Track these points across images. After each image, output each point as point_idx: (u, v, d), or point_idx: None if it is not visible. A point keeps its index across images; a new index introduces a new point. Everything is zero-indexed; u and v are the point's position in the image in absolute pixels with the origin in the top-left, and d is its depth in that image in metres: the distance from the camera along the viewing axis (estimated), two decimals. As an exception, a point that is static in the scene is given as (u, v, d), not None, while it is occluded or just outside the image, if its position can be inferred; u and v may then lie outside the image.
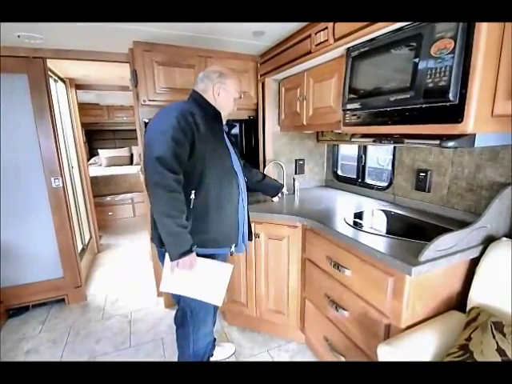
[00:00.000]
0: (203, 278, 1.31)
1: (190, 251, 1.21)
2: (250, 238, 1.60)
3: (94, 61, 2.18)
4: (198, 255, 1.28)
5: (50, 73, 2.35)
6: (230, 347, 1.85)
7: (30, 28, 1.64)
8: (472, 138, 1.06)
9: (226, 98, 1.36)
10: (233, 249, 1.41)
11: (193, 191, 1.24)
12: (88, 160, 5.41)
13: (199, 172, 1.24)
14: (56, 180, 2.21)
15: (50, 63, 2.31)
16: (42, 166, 2.17)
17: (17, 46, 1.94)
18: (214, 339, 1.78)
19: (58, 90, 2.72)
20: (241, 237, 1.45)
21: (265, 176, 1.89)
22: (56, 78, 2.64)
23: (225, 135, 1.40)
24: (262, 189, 1.90)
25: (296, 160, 2.41)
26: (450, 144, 1.04)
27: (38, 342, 2.00)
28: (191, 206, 1.25)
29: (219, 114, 1.37)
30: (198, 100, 1.34)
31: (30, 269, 2.27)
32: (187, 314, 1.40)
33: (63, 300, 2.42)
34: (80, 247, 2.79)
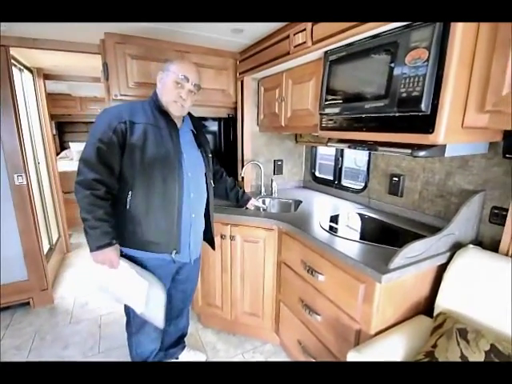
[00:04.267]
0: (124, 284, 1.26)
1: (108, 244, 1.17)
2: (212, 247, 1.61)
3: (63, 51, 2.05)
4: (134, 260, 1.28)
5: (14, 61, 2.20)
6: (200, 357, 1.78)
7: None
8: (443, 147, 1.08)
9: (164, 83, 1.27)
10: (173, 255, 1.32)
11: (130, 191, 1.22)
12: (58, 154, 5.16)
13: (134, 173, 1.21)
14: (19, 177, 2.07)
15: (15, 51, 2.15)
16: (5, 162, 2.03)
17: (-25, 32, 1.79)
18: (184, 342, 1.75)
19: (23, 79, 2.55)
20: (185, 245, 1.36)
21: (234, 186, 1.82)
22: (21, 67, 2.47)
23: (180, 133, 1.32)
24: (230, 198, 1.83)
25: (275, 160, 2.39)
26: (421, 153, 1.05)
27: (1, 348, 1.88)
28: (128, 207, 1.23)
29: (162, 106, 1.28)
30: (151, 96, 1.33)
31: (-8, 271, 2.13)
32: (130, 314, 1.38)
33: (28, 303, 2.29)
34: (47, 247, 2.65)
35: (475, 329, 0.97)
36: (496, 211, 1.25)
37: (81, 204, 1.15)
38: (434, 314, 1.16)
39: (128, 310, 1.38)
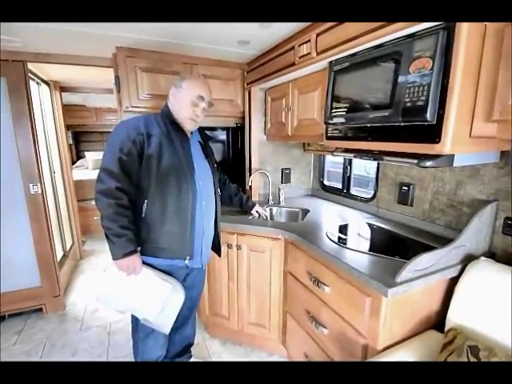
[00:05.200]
0: (142, 290, 1.29)
1: (134, 251, 1.23)
2: (219, 254, 1.62)
3: (77, 65, 2.13)
4: (151, 266, 1.32)
5: (32, 75, 2.30)
6: None
7: (6, 31, 1.58)
8: (451, 157, 1.05)
9: (180, 100, 1.33)
10: (187, 261, 1.36)
11: (145, 200, 1.27)
12: (74, 163, 5.31)
13: (150, 182, 1.26)
14: (34, 186, 2.14)
15: (33, 66, 2.25)
16: (20, 171, 2.10)
17: (-6, 49, 1.88)
18: (190, 351, 1.74)
19: (41, 92, 2.65)
20: (198, 251, 1.40)
21: (238, 192, 1.87)
22: (39, 81, 2.58)
23: (190, 144, 1.38)
24: (234, 204, 1.88)
25: (282, 169, 2.39)
26: (428, 164, 1.03)
27: (11, 354, 1.92)
28: (143, 215, 1.27)
29: (174, 119, 1.35)
30: (163, 109, 1.39)
31: (6, 277, 2.18)
32: (138, 320, 1.37)
33: (41, 310, 2.34)
34: (61, 254, 2.71)
35: (487, 346, 0.92)
36: (509, 222, 1.20)
37: (104, 213, 1.19)
38: (445, 329, 1.11)
39: (135, 316, 1.39)
